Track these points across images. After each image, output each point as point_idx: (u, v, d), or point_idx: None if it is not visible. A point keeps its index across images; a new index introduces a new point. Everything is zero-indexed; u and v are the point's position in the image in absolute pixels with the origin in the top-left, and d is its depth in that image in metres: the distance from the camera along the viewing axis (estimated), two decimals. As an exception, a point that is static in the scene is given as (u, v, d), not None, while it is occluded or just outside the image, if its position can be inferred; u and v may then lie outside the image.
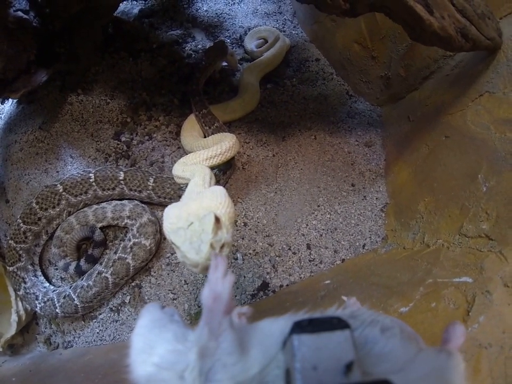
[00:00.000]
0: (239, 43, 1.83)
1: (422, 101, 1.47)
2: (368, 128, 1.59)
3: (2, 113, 1.74)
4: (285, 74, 1.71)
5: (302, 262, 1.29)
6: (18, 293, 1.38)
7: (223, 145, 1.20)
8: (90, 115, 1.54)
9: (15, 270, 1.38)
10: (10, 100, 1.75)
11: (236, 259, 1.28)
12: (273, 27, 1.85)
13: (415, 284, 0.99)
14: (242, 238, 1.31)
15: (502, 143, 1.01)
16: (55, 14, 1.45)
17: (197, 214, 0.67)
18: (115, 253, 1.33)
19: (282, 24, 1.92)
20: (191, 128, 1.41)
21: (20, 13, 1.30)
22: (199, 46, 1.77)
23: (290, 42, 1.78)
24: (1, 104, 1.83)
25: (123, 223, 1.37)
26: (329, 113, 1.59)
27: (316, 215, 1.35)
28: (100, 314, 1.37)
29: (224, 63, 1.67)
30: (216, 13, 1.95)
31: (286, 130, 1.49)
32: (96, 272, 1.33)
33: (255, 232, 1.32)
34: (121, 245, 1.34)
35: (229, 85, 1.66)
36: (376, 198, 1.41)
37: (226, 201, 0.72)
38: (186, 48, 1.78)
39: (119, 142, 1.48)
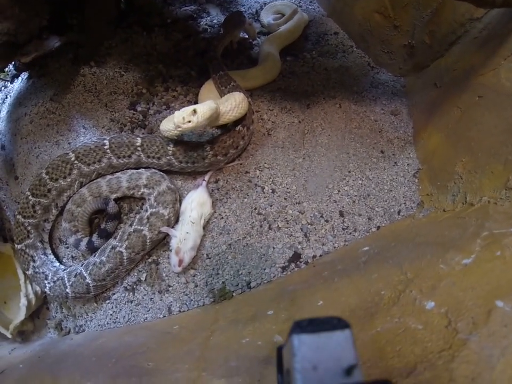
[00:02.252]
0: (255, 18, 1.79)
1: (449, 66, 1.42)
2: (393, 97, 1.53)
3: (12, 92, 1.66)
4: (304, 47, 1.66)
5: (335, 230, 1.19)
6: (27, 272, 1.26)
7: (232, 102, 1.18)
8: (104, 86, 1.47)
9: (24, 248, 1.27)
10: (20, 78, 1.69)
11: (264, 228, 1.19)
12: (290, 2, 1.82)
13: (469, 238, 0.90)
14: (271, 206, 1.21)
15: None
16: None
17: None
18: (130, 225, 1.22)
19: (299, -1, 1.89)
20: (208, 92, 1.34)
21: (32, -26, 1.26)
22: (215, 21, 1.73)
23: (308, 17, 1.75)
24: (11, 83, 1.76)
25: (139, 193, 1.27)
26: (352, 84, 1.53)
27: (348, 181, 1.26)
28: (114, 294, 1.26)
29: (242, 34, 1.62)
30: (231, -11, 1.92)
31: (310, 99, 1.43)
32: (110, 246, 1.22)
33: (284, 199, 1.22)
34: (137, 217, 1.24)
35: (248, 57, 1.60)
36: (408, 164, 1.33)
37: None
38: (201, 23, 1.74)
39: (134, 112, 1.41)
